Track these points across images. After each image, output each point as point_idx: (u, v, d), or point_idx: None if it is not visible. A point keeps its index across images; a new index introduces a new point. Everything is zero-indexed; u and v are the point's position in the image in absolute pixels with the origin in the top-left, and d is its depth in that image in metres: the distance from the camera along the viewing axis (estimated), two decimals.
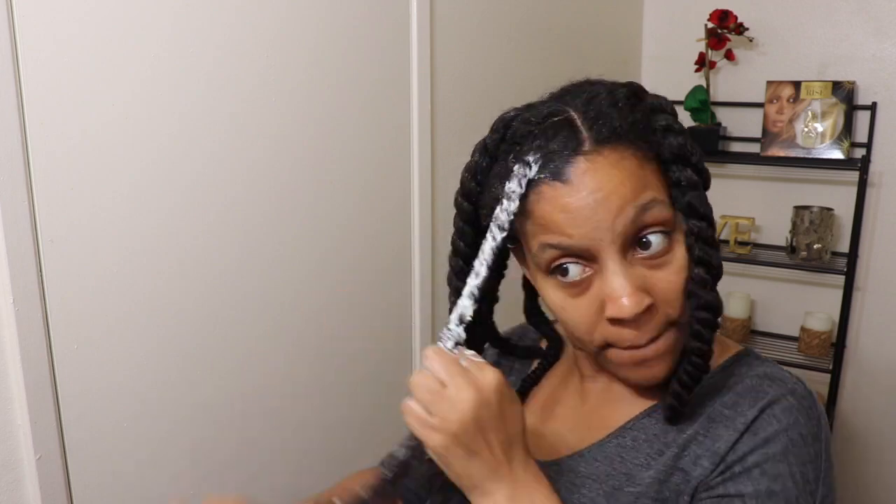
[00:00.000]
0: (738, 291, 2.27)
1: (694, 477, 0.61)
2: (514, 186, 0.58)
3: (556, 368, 0.79)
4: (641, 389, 0.68)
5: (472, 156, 0.64)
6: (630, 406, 0.68)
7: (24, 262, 0.83)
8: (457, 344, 0.60)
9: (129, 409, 0.99)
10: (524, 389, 0.79)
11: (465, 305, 0.61)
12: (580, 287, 0.60)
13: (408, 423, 0.58)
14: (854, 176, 2.02)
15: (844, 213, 2.13)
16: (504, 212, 0.59)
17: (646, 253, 0.59)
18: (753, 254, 2.19)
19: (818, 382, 2.26)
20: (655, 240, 0.58)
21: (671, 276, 0.59)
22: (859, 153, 2.08)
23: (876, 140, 2.10)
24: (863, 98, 2.10)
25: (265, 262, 1.16)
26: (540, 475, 0.60)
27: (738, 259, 2.17)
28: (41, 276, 0.86)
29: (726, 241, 2.21)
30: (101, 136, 0.90)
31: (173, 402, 1.05)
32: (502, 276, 0.73)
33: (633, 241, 0.59)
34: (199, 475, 1.10)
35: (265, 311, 1.17)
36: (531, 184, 0.59)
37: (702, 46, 2.17)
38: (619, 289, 0.58)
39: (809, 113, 2.10)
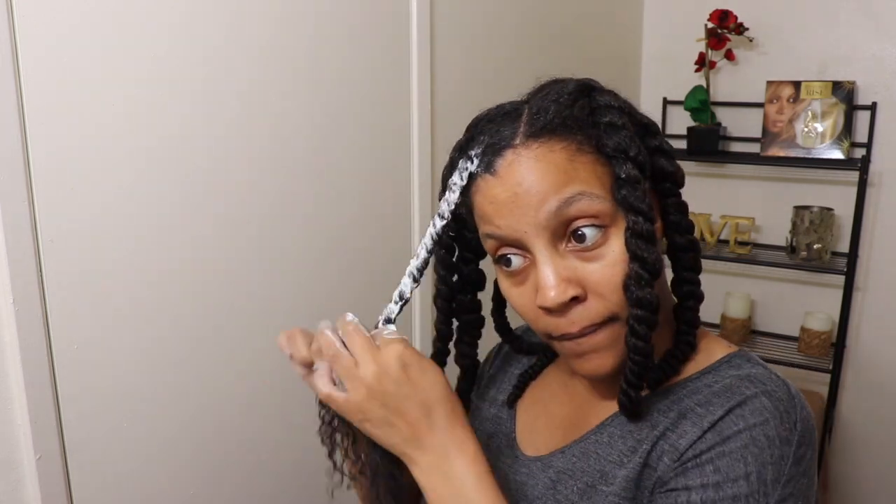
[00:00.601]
0: (738, 291, 2.27)
1: (657, 473, 0.61)
2: (455, 179, 0.63)
3: (555, 366, 0.80)
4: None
5: (450, 154, 0.67)
6: (611, 403, 0.68)
7: (24, 262, 0.83)
8: (387, 321, 0.67)
9: (129, 409, 0.99)
10: (522, 384, 0.80)
11: (405, 283, 0.66)
12: (521, 276, 0.63)
13: (328, 403, 0.62)
14: (854, 176, 2.02)
15: (844, 213, 2.13)
16: (445, 201, 0.63)
17: (579, 245, 0.60)
18: (753, 254, 2.19)
19: (818, 382, 2.27)
20: (589, 232, 0.59)
21: (604, 268, 0.60)
22: (859, 153, 2.08)
23: (876, 140, 2.10)
24: (863, 98, 2.10)
25: (265, 262, 1.16)
26: (467, 440, 0.61)
27: (738, 259, 2.18)
28: (41, 276, 0.86)
29: (726, 242, 2.21)
30: (101, 136, 0.90)
31: (173, 402, 1.05)
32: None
33: (564, 233, 0.60)
34: (200, 475, 1.10)
35: (265, 310, 1.17)
36: (472, 177, 0.62)
37: (702, 46, 2.17)
38: (544, 279, 0.59)
39: (809, 113, 2.10)
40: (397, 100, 1.37)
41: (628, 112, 0.63)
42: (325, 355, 0.62)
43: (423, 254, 0.65)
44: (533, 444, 0.74)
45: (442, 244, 0.67)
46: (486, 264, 0.73)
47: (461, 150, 0.65)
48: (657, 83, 2.39)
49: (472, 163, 0.62)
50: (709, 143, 2.19)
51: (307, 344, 0.66)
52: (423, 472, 0.60)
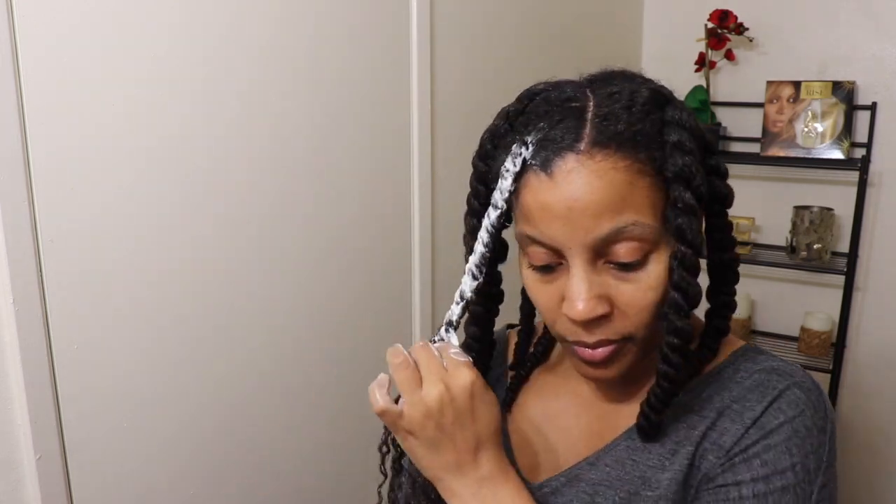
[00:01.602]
0: (738, 291, 2.26)
1: (701, 471, 0.62)
2: (508, 165, 0.59)
3: (554, 367, 0.77)
4: (641, 388, 0.68)
5: (495, 119, 0.64)
6: (636, 406, 0.67)
7: (24, 262, 0.83)
8: (448, 324, 0.63)
9: (129, 409, 0.99)
10: (514, 388, 0.77)
11: (465, 282, 0.63)
12: (550, 276, 0.61)
13: (381, 417, 0.61)
14: (854, 176, 2.02)
15: (844, 213, 2.13)
16: (498, 190, 0.60)
17: (617, 264, 0.58)
18: (753, 254, 2.19)
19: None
20: (629, 256, 0.58)
21: (637, 291, 0.59)
22: (859, 153, 2.08)
23: (876, 140, 2.10)
24: (863, 98, 2.09)
25: (265, 262, 1.16)
26: (510, 475, 0.61)
27: (738, 259, 2.17)
28: (41, 276, 0.86)
29: None
30: (101, 136, 0.90)
31: (173, 402, 1.05)
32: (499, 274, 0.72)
33: (605, 251, 0.58)
34: (200, 475, 1.10)
35: (265, 310, 1.17)
36: (525, 165, 0.59)
37: (702, 46, 2.17)
38: (576, 292, 0.58)
39: (809, 113, 2.10)
40: (397, 100, 1.37)
41: (696, 133, 0.60)
42: (390, 364, 0.60)
43: (480, 249, 0.62)
44: (550, 463, 0.71)
45: (497, 235, 0.63)
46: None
47: (510, 121, 0.62)
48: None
49: (527, 149, 0.58)
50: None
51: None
52: (460, 499, 0.60)
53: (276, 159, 1.15)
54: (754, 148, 2.21)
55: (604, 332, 0.60)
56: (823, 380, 2.20)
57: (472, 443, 0.59)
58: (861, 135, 2.10)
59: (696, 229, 0.57)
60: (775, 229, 2.25)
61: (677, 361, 0.60)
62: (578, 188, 0.56)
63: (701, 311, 0.68)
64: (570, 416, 0.73)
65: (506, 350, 0.83)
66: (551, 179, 0.57)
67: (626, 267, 0.58)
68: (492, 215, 0.61)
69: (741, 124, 2.26)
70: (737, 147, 2.29)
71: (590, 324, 0.59)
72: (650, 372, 0.65)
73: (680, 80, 2.27)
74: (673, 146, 0.57)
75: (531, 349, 0.79)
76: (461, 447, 0.59)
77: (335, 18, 1.21)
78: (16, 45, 0.80)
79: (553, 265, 0.60)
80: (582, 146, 0.56)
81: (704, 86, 2.19)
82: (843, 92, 2.06)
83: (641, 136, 0.57)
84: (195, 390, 1.08)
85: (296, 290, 1.22)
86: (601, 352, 0.61)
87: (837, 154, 2.08)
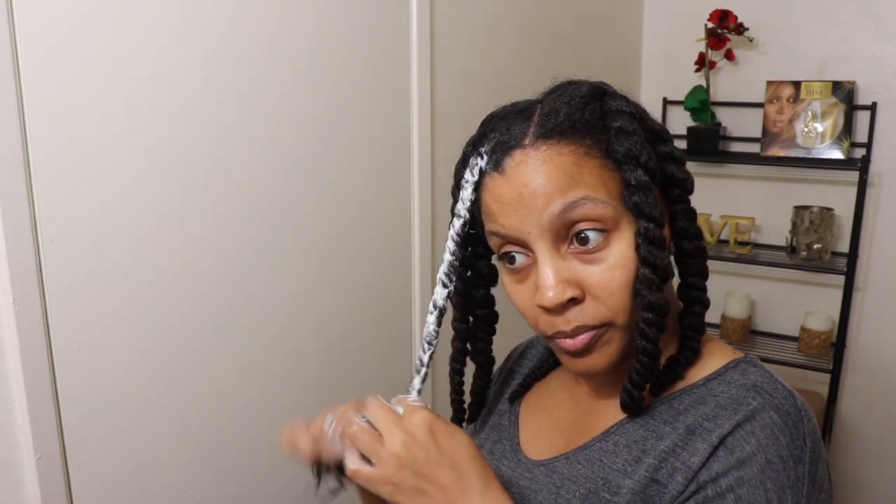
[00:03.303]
0: (738, 291, 2.27)
1: (668, 491, 0.61)
2: (467, 175, 0.63)
3: (561, 371, 0.80)
4: None
5: (463, 149, 0.67)
6: (616, 410, 0.68)
7: (24, 262, 0.83)
8: (429, 342, 0.66)
9: (129, 409, 0.99)
10: (527, 382, 0.81)
11: (437, 292, 0.66)
12: (523, 273, 0.64)
13: (354, 479, 0.61)
14: (854, 176, 2.02)
15: (844, 213, 2.13)
16: (460, 200, 0.64)
17: (581, 247, 0.60)
18: (753, 254, 2.19)
19: (818, 382, 2.27)
20: (592, 235, 0.60)
21: (604, 272, 0.60)
22: (859, 153, 2.08)
23: (876, 140, 2.10)
24: (863, 98, 2.10)
25: (265, 262, 1.16)
26: (502, 499, 0.60)
27: (738, 259, 2.18)
28: (41, 276, 0.86)
29: (726, 241, 2.21)
30: (102, 137, 0.90)
31: (173, 402, 1.05)
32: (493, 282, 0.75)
33: (567, 235, 0.60)
34: (199, 475, 1.10)
35: (265, 310, 1.17)
36: (482, 173, 0.63)
37: (702, 46, 2.17)
38: (543, 279, 0.60)
39: (809, 113, 2.10)
40: (397, 100, 1.37)
41: (640, 118, 0.63)
42: (348, 433, 0.61)
43: (447, 257, 0.65)
44: (536, 449, 0.75)
45: (462, 243, 0.67)
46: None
47: (473, 146, 0.65)
48: (657, 83, 2.39)
49: (483, 159, 0.63)
50: (709, 143, 2.19)
51: (307, 437, 0.65)
52: None
53: (276, 159, 1.15)
54: (754, 148, 2.21)
55: (580, 318, 0.61)
56: (823, 380, 2.20)
57: (452, 475, 0.59)
58: (861, 135, 2.10)
59: (652, 203, 0.60)
60: (775, 229, 2.25)
61: (654, 335, 0.60)
62: (527, 175, 0.60)
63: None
64: (561, 410, 0.76)
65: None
66: (503, 175, 0.61)
67: (590, 250, 0.60)
68: (455, 224, 0.65)
69: (741, 124, 2.26)
70: (737, 147, 2.29)
71: (563, 310, 0.61)
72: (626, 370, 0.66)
73: (680, 80, 2.27)
74: (617, 130, 0.61)
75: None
76: (445, 483, 0.59)
77: (335, 18, 1.21)
78: (16, 46, 0.80)
79: (522, 261, 0.63)
80: (527, 141, 0.61)
81: (704, 86, 2.19)
82: (843, 92, 2.06)
83: (582, 123, 0.60)
84: (195, 390, 1.08)
85: (295, 290, 1.22)
86: (581, 339, 0.62)
87: (837, 154, 2.08)
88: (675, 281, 0.69)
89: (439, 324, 0.66)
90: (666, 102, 2.35)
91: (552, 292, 0.60)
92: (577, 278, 0.61)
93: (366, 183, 1.32)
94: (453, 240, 0.65)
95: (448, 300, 0.66)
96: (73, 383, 0.91)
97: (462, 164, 0.66)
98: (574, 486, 0.67)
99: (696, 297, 0.68)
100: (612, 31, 2.26)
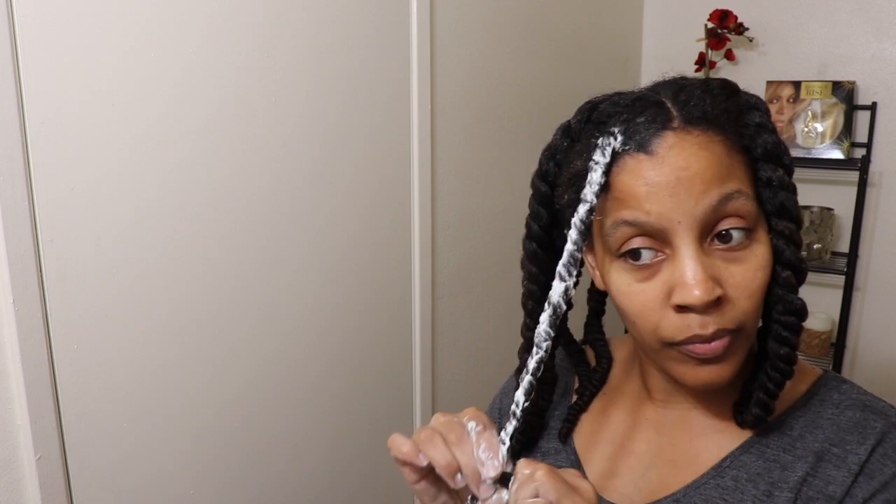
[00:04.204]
0: None
1: None
2: (597, 157, 0.55)
3: (615, 392, 0.72)
4: (723, 419, 0.64)
5: (554, 137, 0.62)
6: (718, 439, 0.63)
7: (24, 262, 0.83)
8: (540, 346, 0.54)
9: (129, 409, 0.99)
10: (573, 418, 0.71)
11: (553, 287, 0.54)
12: (649, 271, 0.57)
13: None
14: (854, 176, 2.02)
15: (844, 213, 2.13)
16: (588, 184, 0.55)
17: (724, 245, 0.55)
18: None
19: None
20: (736, 234, 0.55)
21: (747, 272, 0.56)
22: (859, 153, 2.08)
23: (876, 140, 2.10)
24: (863, 98, 2.09)
25: (265, 263, 1.16)
26: None
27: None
28: (41, 276, 0.86)
29: None
30: (102, 137, 0.91)
31: (173, 402, 1.05)
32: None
33: (710, 231, 0.55)
34: (199, 475, 1.10)
35: (265, 311, 1.17)
36: (615, 156, 0.55)
37: (702, 46, 2.17)
38: (690, 274, 0.54)
39: (809, 113, 2.10)
40: (397, 101, 1.37)
41: (768, 112, 0.60)
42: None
43: (569, 247, 0.55)
44: (617, 490, 0.66)
45: (587, 232, 0.56)
46: None
47: (572, 135, 0.59)
48: None
49: (616, 139, 0.55)
50: None
51: (448, 447, 0.53)
52: None
53: (277, 161, 1.15)
54: None
55: (719, 322, 0.55)
56: None
57: None
58: (861, 135, 2.10)
59: (796, 204, 0.56)
60: None
61: (794, 341, 0.57)
62: (685, 159, 0.54)
63: None
64: (639, 441, 0.67)
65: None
66: (654, 157, 0.54)
67: (734, 248, 0.56)
68: (581, 211, 0.55)
69: None
70: None
71: (706, 311, 0.55)
72: (734, 395, 0.62)
73: None
74: (758, 126, 0.57)
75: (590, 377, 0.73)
76: None
77: (335, 19, 1.21)
78: (16, 46, 0.80)
79: (650, 257, 0.56)
80: (676, 124, 0.55)
81: None
82: (843, 92, 2.06)
83: (728, 114, 0.56)
84: (195, 390, 1.08)
85: (295, 292, 1.22)
86: (718, 344, 0.56)
87: (837, 154, 2.08)
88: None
89: (553, 325, 0.54)
90: None
91: (699, 289, 0.53)
92: (720, 278, 0.55)
93: (366, 185, 1.32)
94: (577, 228, 0.54)
95: (565, 297, 0.55)
96: (73, 383, 0.91)
97: (553, 155, 0.61)
98: None
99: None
100: (612, 32, 2.26)
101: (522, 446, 0.71)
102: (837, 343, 2.11)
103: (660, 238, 0.56)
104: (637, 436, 0.67)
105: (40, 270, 0.86)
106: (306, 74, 1.18)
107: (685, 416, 0.65)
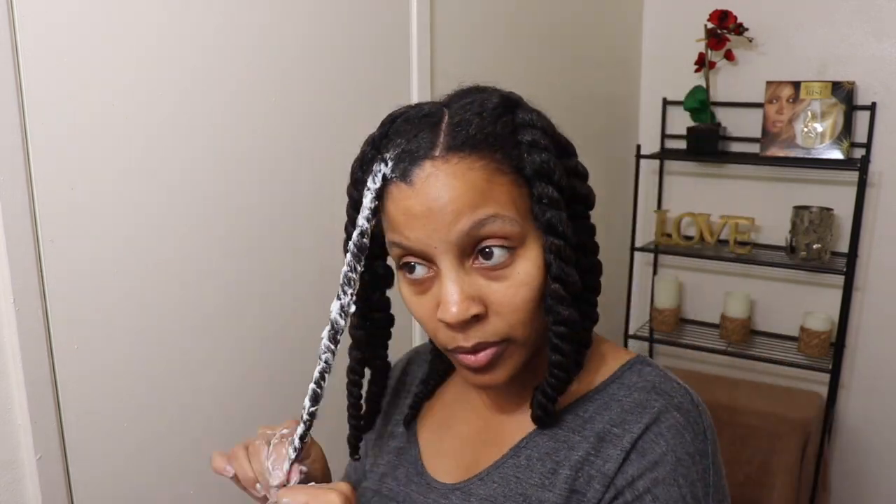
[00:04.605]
0: (737, 291, 2.27)
1: (587, 499, 0.62)
2: (369, 183, 0.61)
3: (455, 381, 0.79)
4: (529, 404, 0.68)
5: (362, 147, 0.65)
6: (521, 421, 0.68)
7: (24, 262, 0.83)
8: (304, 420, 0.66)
9: (129, 409, 0.99)
10: (417, 403, 0.79)
11: (332, 306, 0.64)
12: (424, 285, 0.62)
13: None
14: (854, 176, 2.02)
15: (844, 213, 2.13)
16: (362, 208, 0.61)
17: (486, 263, 0.59)
18: (753, 254, 2.19)
19: (818, 382, 2.27)
20: (497, 252, 0.59)
21: (508, 289, 0.60)
22: (859, 153, 2.08)
23: (875, 140, 2.10)
24: (862, 98, 2.10)
25: (265, 263, 1.16)
26: None
27: (738, 259, 2.18)
28: (41, 276, 0.86)
29: (726, 242, 2.21)
30: (102, 136, 0.91)
31: (173, 402, 1.05)
32: (385, 296, 0.75)
33: (473, 250, 0.59)
34: (199, 475, 1.10)
35: (266, 311, 1.17)
36: (385, 180, 0.60)
37: (702, 46, 2.17)
38: (448, 294, 0.59)
39: (809, 113, 2.10)
40: (397, 100, 1.37)
41: (550, 132, 0.62)
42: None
43: (344, 268, 0.64)
44: (443, 468, 0.73)
45: (359, 254, 0.64)
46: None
47: (374, 148, 0.63)
48: (657, 83, 2.39)
49: (387, 166, 0.60)
50: (708, 143, 2.19)
51: (248, 460, 0.69)
52: None
53: (277, 160, 1.15)
54: (754, 148, 2.21)
55: (481, 335, 0.60)
56: (823, 380, 2.20)
57: None
58: (861, 135, 2.10)
59: (564, 221, 0.60)
60: (775, 229, 2.25)
61: (567, 349, 0.61)
62: (437, 189, 0.58)
63: None
64: (462, 423, 0.74)
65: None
66: (412, 187, 0.58)
67: (496, 266, 0.59)
68: (355, 239, 0.62)
69: (741, 124, 2.26)
70: (736, 147, 2.29)
71: (465, 326, 0.60)
72: (534, 381, 0.66)
73: (680, 81, 2.27)
74: (528, 145, 0.60)
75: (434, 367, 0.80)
76: None
77: (335, 19, 1.22)
78: (16, 45, 0.80)
79: (422, 272, 0.61)
80: (437, 152, 0.58)
81: (704, 86, 2.19)
82: (843, 92, 2.07)
83: (494, 137, 0.59)
84: (195, 390, 1.08)
85: (296, 291, 1.22)
86: (483, 356, 0.61)
87: (837, 154, 2.08)
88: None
89: (332, 339, 0.64)
90: (666, 102, 2.35)
91: (455, 308, 0.58)
92: (481, 294, 0.60)
93: None
94: (351, 252, 0.62)
95: (342, 314, 0.64)
96: (73, 383, 0.91)
97: (361, 165, 0.64)
98: None
99: (586, 312, 0.68)
100: (612, 31, 2.26)
101: (365, 428, 0.80)
102: (837, 343, 2.12)
103: (426, 258, 0.60)
104: (461, 419, 0.75)
105: (40, 270, 0.86)
106: (306, 75, 1.18)
107: (495, 402, 0.72)
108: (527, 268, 0.60)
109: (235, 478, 0.71)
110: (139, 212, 0.96)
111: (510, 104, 0.62)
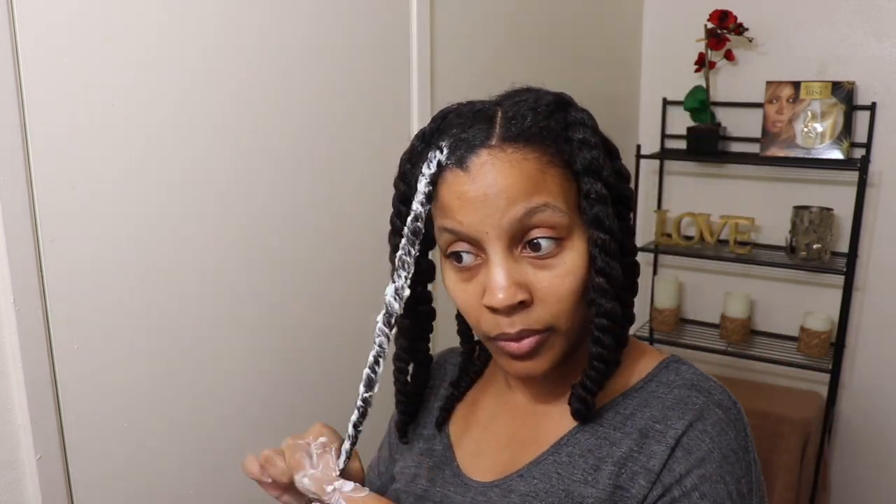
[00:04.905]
0: (737, 291, 2.27)
1: (632, 495, 0.62)
2: (424, 169, 0.63)
3: (487, 383, 0.79)
4: (567, 401, 0.69)
5: (412, 141, 0.67)
6: (560, 419, 0.69)
7: (24, 262, 0.83)
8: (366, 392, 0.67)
9: (129, 409, 0.99)
10: (448, 407, 0.79)
11: (387, 290, 0.66)
12: (470, 273, 0.63)
13: None
14: (854, 176, 2.02)
15: (844, 213, 2.13)
16: (419, 192, 0.63)
17: (534, 253, 0.61)
18: (753, 254, 2.19)
19: (818, 382, 2.27)
20: (545, 243, 0.61)
21: (554, 278, 0.61)
22: (859, 153, 2.08)
23: (875, 140, 2.10)
24: (862, 98, 2.10)
25: (265, 262, 1.16)
26: None
27: (738, 259, 2.18)
28: (41, 276, 0.86)
29: (726, 242, 2.21)
30: (102, 136, 0.91)
31: (173, 402, 1.05)
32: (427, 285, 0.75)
33: (520, 240, 0.61)
34: (199, 475, 1.10)
35: (265, 311, 1.17)
36: (441, 168, 0.62)
37: (702, 46, 2.17)
38: (495, 280, 0.60)
39: (809, 113, 2.10)
40: (397, 100, 1.37)
41: (599, 132, 0.64)
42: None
43: (399, 252, 0.65)
44: (479, 469, 0.73)
45: (413, 238, 0.65)
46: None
47: (426, 140, 0.64)
48: (657, 83, 2.39)
49: (442, 153, 0.62)
50: (708, 143, 2.19)
51: (286, 467, 0.71)
52: None
53: (277, 160, 1.15)
54: (754, 148, 2.21)
55: (525, 322, 0.62)
56: (823, 380, 2.20)
57: None
58: (861, 135, 2.10)
59: (611, 216, 0.62)
60: (775, 229, 2.25)
61: (609, 342, 0.62)
62: (492, 176, 0.60)
63: None
64: (497, 423, 0.75)
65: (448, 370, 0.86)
66: (467, 173, 0.60)
67: (542, 256, 0.61)
68: (407, 220, 0.64)
69: (741, 124, 2.26)
70: (736, 147, 2.29)
71: (511, 313, 0.61)
72: (573, 378, 0.67)
73: (680, 81, 2.27)
74: (579, 142, 0.62)
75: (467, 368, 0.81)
76: None
77: (335, 19, 1.22)
78: (16, 45, 0.80)
79: (470, 260, 0.63)
80: (493, 142, 0.60)
81: (704, 86, 2.19)
82: (843, 92, 2.07)
83: (547, 131, 0.61)
84: (195, 390, 1.08)
85: (295, 291, 1.22)
86: (526, 343, 0.62)
87: (837, 154, 2.08)
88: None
89: (387, 323, 0.66)
90: (666, 102, 2.35)
91: (503, 293, 0.60)
92: (528, 282, 0.61)
93: (365, 183, 1.32)
94: (406, 236, 0.64)
95: (396, 297, 0.66)
96: (73, 383, 0.91)
97: (410, 158, 0.66)
98: (536, 501, 0.66)
99: (624, 311, 0.68)
100: (612, 31, 2.26)
101: (410, 427, 0.81)
102: (837, 343, 2.12)
103: (476, 244, 0.62)
104: (498, 419, 0.75)
105: (40, 270, 0.86)
106: (306, 75, 1.18)
107: (532, 399, 0.73)
108: (573, 258, 0.62)
109: (266, 484, 0.74)
110: (139, 212, 0.96)
111: (563, 102, 0.64)
